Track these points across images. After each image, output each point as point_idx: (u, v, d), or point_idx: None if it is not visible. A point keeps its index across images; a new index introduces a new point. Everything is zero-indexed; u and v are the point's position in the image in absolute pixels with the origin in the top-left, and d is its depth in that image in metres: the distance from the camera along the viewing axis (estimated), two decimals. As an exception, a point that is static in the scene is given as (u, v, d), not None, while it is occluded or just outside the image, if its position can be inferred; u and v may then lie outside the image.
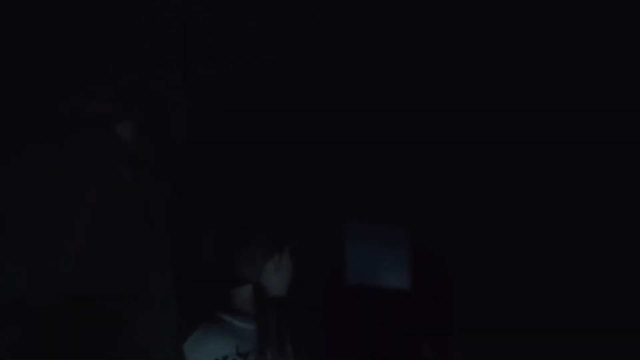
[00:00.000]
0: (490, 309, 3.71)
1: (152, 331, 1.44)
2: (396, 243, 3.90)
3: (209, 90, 3.16)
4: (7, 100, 1.51)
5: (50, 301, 1.35)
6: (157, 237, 1.53)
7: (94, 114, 1.51)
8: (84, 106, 1.51)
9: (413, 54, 3.43)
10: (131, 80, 1.59)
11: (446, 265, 3.90)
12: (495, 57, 3.42)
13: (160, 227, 1.55)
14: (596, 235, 3.49)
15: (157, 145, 1.65)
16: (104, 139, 1.50)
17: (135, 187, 1.51)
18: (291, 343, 2.16)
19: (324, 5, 3.19)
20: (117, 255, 1.43)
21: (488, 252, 3.76)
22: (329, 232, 3.76)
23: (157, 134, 1.67)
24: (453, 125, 3.62)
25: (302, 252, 3.60)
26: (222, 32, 3.07)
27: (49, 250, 1.38)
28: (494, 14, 3.23)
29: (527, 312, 3.62)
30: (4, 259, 1.38)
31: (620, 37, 3.24)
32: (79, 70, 1.54)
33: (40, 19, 1.57)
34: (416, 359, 3.77)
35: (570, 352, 3.41)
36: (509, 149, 3.70)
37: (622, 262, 3.51)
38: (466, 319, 3.80)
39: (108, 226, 1.43)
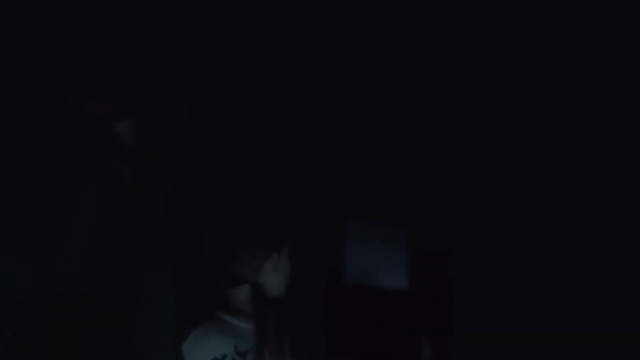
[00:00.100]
0: (490, 309, 3.71)
1: (152, 331, 1.44)
2: (396, 243, 3.90)
3: (209, 90, 3.16)
4: (8, 100, 1.51)
5: (50, 301, 1.35)
6: (157, 237, 1.53)
7: (94, 114, 1.51)
8: (84, 106, 1.51)
9: (413, 54, 3.43)
10: (131, 80, 1.59)
11: (446, 265, 3.90)
12: (495, 57, 3.42)
13: (160, 227, 1.55)
14: (596, 235, 3.49)
15: (157, 145, 1.65)
16: (104, 139, 1.50)
17: (135, 187, 1.51)
18: (289, 342, 2.16)
19: (324, 5, 3.19)
20: (117, 255, 1.43)
21: (488, 252, 3.76)
22: (329, 232, 3.76)
23: (157, 134, 1.67)
24: (453, 125, 3.62)
25: (302, 252, 3.60)
26: (222, 32, 3.07)
27: (49, 250, 1.38)
28: (494, 14, 3.23)
29: (527, 312, 3.62)
30: (4, 259, 1.38)
31: (620, 37, 3.24)
32: (79, 70, 1.54)
33: (40, 19, 1.57)
34: (416, 359, 3.77)
35: (570, 352, 3.41)
36: (509, 149, 3.70)
37: (622, 262, 3.51)
38: (466, 319, 3.80)
39: (108, 226, 1.43)
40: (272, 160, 3.48)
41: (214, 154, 3.27)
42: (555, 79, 3.47)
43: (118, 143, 1.52)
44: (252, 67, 3.29)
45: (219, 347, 2.07)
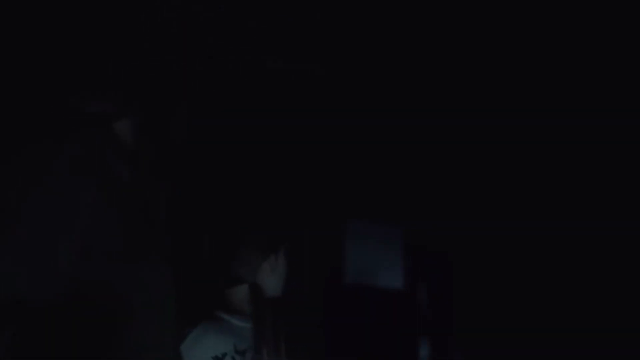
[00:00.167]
0: (490, 309, 3.71)
1: (152, 330, 1.44)
2: (395, 243, 3.90)
3: (209, 90, 3.16)
4: (8, 100, 1.51)
5: (50, 301, 1.35)
6: (157, 237, 1.53)
7: (94, 113, 1.51)
8: (84, 106, 1.51)
9: (413, 54, 3.43)
10: (131, 80, 1.59)
11: (446, 265, 3.90)
12: (495, 57, 3.41)
13: (160, 227, 1.56)
14: (596, 235, 3.49)
15: (157, 145, 1.65)
16: (104, 138, 1.50)
17: (135, 187, 1.51)
18: (286, 342, 2.18)
19: (324, 5, 3.19)
20: (117, 255, 1.43)
21: (488, 252, 3.76)
22: (329, 232, 3.75)
23: (157, 134, 1.67)
24: (453, 125, 3.62)
25: (302, 252, 3.60)
26: (222, 32, 3.07)
27: (49, 250, 1.38)
28: (494, 14, 3.23)
29: (527, 312, 3.62)
30: (4, 259, 1.38)
31: (620, 37, 3.24)
32: (79, 70, 1.54)
33: (40, 19, 1.57)
34: (415, 359, 3.77)
35: (570, 352, 3.41)
36: (509, 149, 3.70)
37: (622, 262, 3.51)
38: (466, 319, 3.80)
39: (108, 226, 1.43)
40: (272, 160, 3.48)
41: (213, 154, 3.27)
42: (555, 79, 3.47)
43: (118, 143, 1.52)
44: (252, 67, 3.29)
45: (218, 345, 2.09)
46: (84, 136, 1.47)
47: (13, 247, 1.38)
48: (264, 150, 3.44)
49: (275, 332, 2.16)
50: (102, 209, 1.43)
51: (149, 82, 1.63)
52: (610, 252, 3.51)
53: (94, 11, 1.58)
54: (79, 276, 1.38)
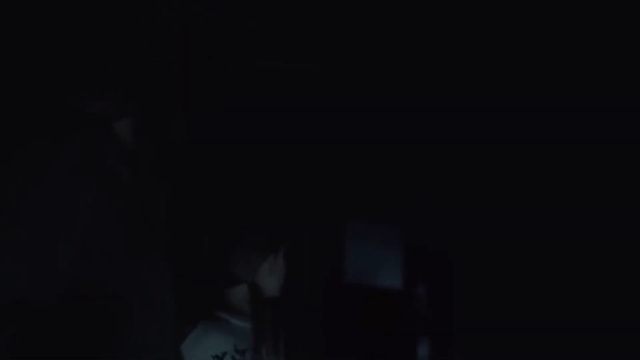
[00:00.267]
0: (490, 309, 3.71)
1: (152, 330, 1.44)
2: (395, 243, 3.90)
3: (209, 90, 3.16)
4: (8, 100, 1.51)
5: (50, 301, 1.35)
6: (156, 237, 1.53)
7: (94, 113, 1.51)
8: (84, 106, 1.51)
9: (413, 54, 3.43)
10: (131, 80, 1.59)
11: (446, 265, 3.90)
12: (495, 57, 3.41)
13: (159, 227, 1.56)
14: (596, 235, 3.49)
15: (157, 145, 1.65)
16: (104, 139, 1.50)
17: (135, 187, 1.51)
18: (285, 342, 2.19)
19: (324, 5, 3.19)
20: (117, 255, 1.43)
21: (488, 252, 3.76)
22: (329, 232, 3.75)
23: (157, 133, 1.67)
24: (453, 125, 3.62)
25: (302, 252, 3.60)
26: (222, 32, 3.07)
27: (49, 250, 1.38)
28: (494, 14, 3.23)
29: (527, 312, 3.62)
30: (4, 259, 1.38)
31: (620, 37, 3.24)
32: (79, 70, 1.54)
33: (41, 19, 1.57)
34: (415, 359, 3.77)
35: (570, 352, 3.41)
36: (509, 149, 3.70)
37: (622, 262, 3.51)
38: (466, 319, 3.80)
39: (108, 226, 1.43)
40: (272, 160, 3.48)
41: (213, 154, 3.27)
42: (555, 79, 3.47)
43: (118, 143, 1.52)
44: (252, 67, 3.29)
45: (219, 345, 2.11)
46: (84, 136, 1.47)
47: (13, 247, 1.38)
48: (264, 150, 3.44)
49: (274, 332, 2.18)
50: (102, 209, 1.43)
51: (149, 82, 1.63)
52: (610, 252, 3.51)
53: (94, 11, 1.58)
54: (79, 276, 1.38)
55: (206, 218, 2.55)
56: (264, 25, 3.16)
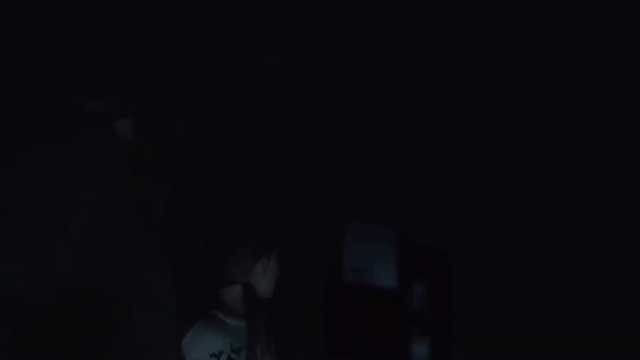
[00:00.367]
0: (490, 309, 3.71)
1: (152, 330, 1.44)
2: (394, 243, 3.90)
3: (209, 90, 3.16)
4: (8, 100, 1.51)
5: (50, 301, 1.35)
6: (156, 237, 1.53)
7: (94, 113, 1.51)
8: (84, 106, 1.51)
9: (413, 54, 3.43)
10: (131, 80, 1.59)
11: (446, 265, 3.90)
12: (495, 57, 3.42)
13: (159, 227, 1.56)
14: (596, 235, 3.49)
15: (157, 145, 1.65)
16: (104, 138, 1.50)
17: (135, 187, 1.51)
18: (277, 341, 2.22)
19: (324, 5, 3.19)
20: (117, 255, 1.43)
21: (488, 252, 3.76)
22: (329, 232, 3.76)
23: (157, 133, 1.67)
24: (453, 125, 3.62)
25: (302, 252, 3.60)
26: (222, 32, 3.07)
27: (49, 250, 1.38)
28: (494, 14, 3.23)
29: (527, 312, 3.62)
30: (4, 259, 1.38)
31: (620, 37, 3.24)
32: (79, 70, 1.54)
33: (41, 20, 1.57)
34: (414, 358, 3.78)
35: (570, 352, 3.41)
36: (509, 149, 3.70)
37: (622, 262, 3.51)
38: (466, 319, 3.80)
39: (107, 226, 1.43)
40: (271, 160, 3.48)
41: (213, 154, 3.27)
42: (555, 79, 3.47)
43: (118, 143, 1.52)
44: (252, 67, 3.29)
45: (216, 344, 2.13)
46: (84, 136, 1.47)
47: (13, 247, 1.38)
48: (263, 150, 3.44)
49: (267, 332, 2.20)
50: (102, 209, 1.43)
51: (149, 82, 1.63)
52: (610, 252, 3.51)
53: (94, 11, 1.58)
54: (79, 276, 1.38)
55: (203, 218, 2.55)
56: (264, 25, 3.16)
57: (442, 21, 3.27)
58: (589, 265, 3.55)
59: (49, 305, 1.34)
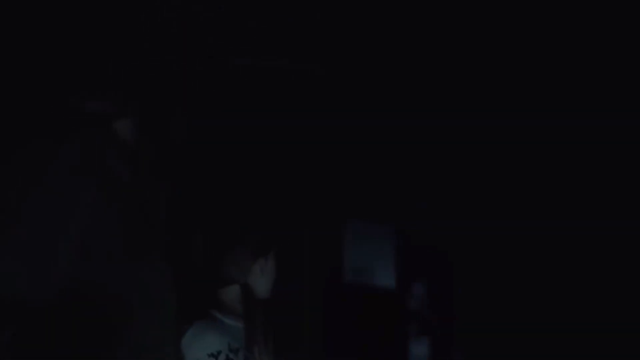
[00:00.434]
0: (490, 309, 3.72)
1: (152, 330, 1.45)
2: (393, 243, 3.90)
3: (209, 90, 3.16)
4: (8, 100, 1.51)
5: (50, 301, 1.35)
6: (156, 237, 1.53)
7: (94, 113, 1.51)
8: (84, 106, 1.51)
9: (413, 54, 3.43)
10: (131, 80, 1.59)
11: (446, 265, 3.90)
12: (495, 57, 3.42)
13: (159, 227, 1.56)
14: (596, 235, 3.49)
15: (157, 145, 1.65)
16: (104, 138, 1.50)
17: (135, 187, 1.51)
18: (274, 341, 2.23)
19: (324, 5, 3.19)
20: (117, 255, 1.43)
21: (488, 252, 3.76)
22: (329, 232, 3.76)
23: (157, 133, 1.67)
24: (453, 125, 3.62)
25: (302, 252, 3.60)
26: (222, 32, 3.07)
27: (49, 250, 1.38)
28: (494, 14, 3.23)
29: (527, 312, 3.63)
30: (4, 259, 1.38)
31: (620, 37, 3.24)
32: (79, 70, 1.54)
33: (41, 20, 1.57)
34: (414, 358, 3.78)
35: (570, 352, 3.41)
36: (509, 149, 3.70)
37: (622, 262, 3.51)
38: (466, 319, 3.80)
39: (107, 226, 1.43)
40: (271, 160, 3.48)
41: (213, 154, 3.27)
42: (556, 79, 3.47)
43: (118, 143, 1.52)
44: (252, 67, 3.29)
45: (215, 343, 2.14)
46: (84, 136, 1.47)
47: (13, 247, 1.38)
48: (263, 150, 3.44)
49: (265, 332, 2.21)
50: (102, 209, 1.43)
51: (149, 82, 1.63)
52: (610, 252, 3.51)
53: (94, 11, 1.58)
54: (79, 276, 1.38)
55: (202, 218, 2.56)
56: (264, 25, 3.16)
57: (442, 21, 3.27)
58: (589, 265, 3.55)
59: (49, 305, 1.34)
